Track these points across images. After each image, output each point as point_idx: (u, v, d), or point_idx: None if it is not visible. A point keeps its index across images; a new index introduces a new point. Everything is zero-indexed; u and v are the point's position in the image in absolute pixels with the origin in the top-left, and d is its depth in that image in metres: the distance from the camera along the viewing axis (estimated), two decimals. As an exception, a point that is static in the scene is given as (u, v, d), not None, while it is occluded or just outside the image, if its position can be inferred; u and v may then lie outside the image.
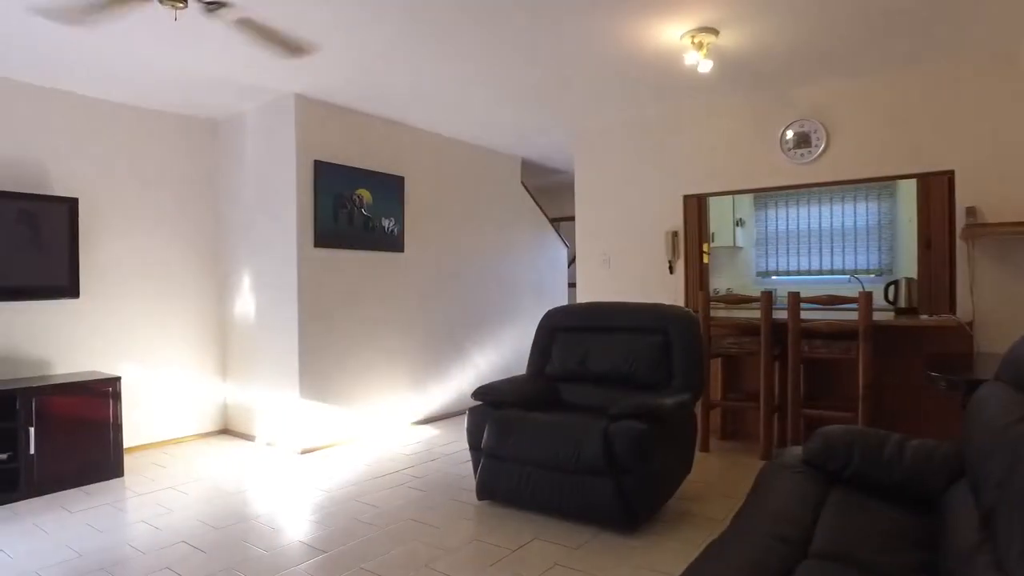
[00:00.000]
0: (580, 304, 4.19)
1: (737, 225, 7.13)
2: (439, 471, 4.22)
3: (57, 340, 4.43)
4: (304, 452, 4.69)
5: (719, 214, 6.90)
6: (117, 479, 4.13)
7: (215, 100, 4.77)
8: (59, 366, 4.44)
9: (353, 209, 5.07)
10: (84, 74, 4.13)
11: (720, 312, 4.89)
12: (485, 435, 3.46)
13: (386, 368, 5.32)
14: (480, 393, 3.67)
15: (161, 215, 4.99)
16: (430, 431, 5.37)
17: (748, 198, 7.12)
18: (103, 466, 4.10)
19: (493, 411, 3.54)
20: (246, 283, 5.15)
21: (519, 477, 3.33)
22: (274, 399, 4.91)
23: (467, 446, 3.69)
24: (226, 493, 3.85)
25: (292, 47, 3.72)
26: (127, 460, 4.44)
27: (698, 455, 4.42)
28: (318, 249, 4.80)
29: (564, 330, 4.06)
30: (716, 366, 4.84)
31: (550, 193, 8.15)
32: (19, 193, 4.20)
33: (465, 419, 3.68)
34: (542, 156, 6.88)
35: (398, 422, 5.43)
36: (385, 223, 5.33)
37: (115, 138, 4.75)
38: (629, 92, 4.74)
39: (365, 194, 5.16)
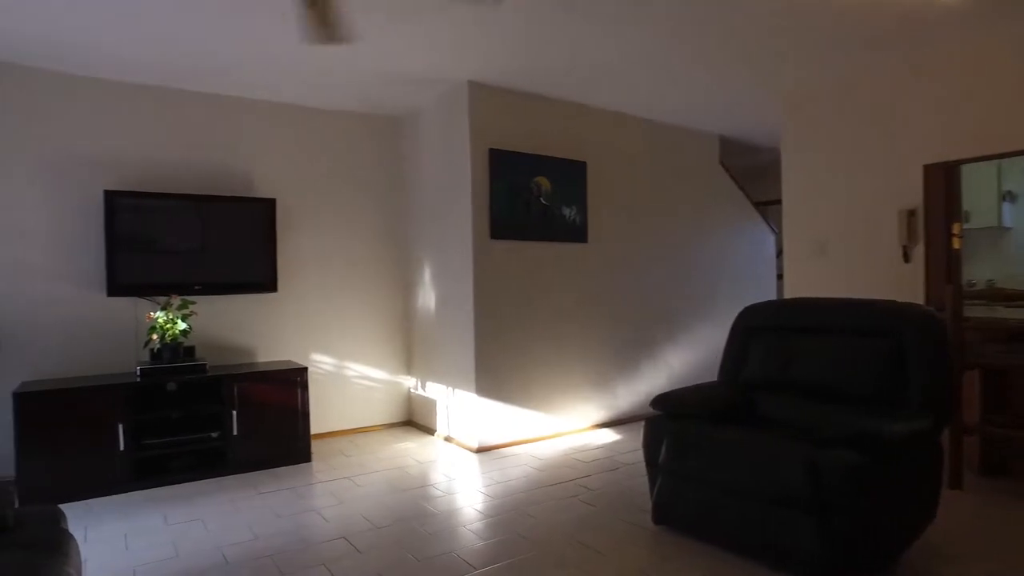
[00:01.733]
0: (784, 300, 3.51)
1: (1005, 199, 5.69)
2: (616, 484, 3.80)
3: (258, 330, 4.77)
4: (479, 450, 4.55)
5: (977, 186, 5.56)
6: (305, 464, 4.31)
7: (395, 97, 4.81)
8: (260, 354, 4.78)
9: (531, 198, 4.82)
10: (276, 82, 4.36)
11: (978, 311, 3.83)
12: (663, 450, 2.98)
13: (567, 365, 5.01)
14: (659, 402, 3.19)
15: (349, 212, 5.18)
16: (612, 436, 4.96)
17: (1021, 163, 5.64)
18: (292, 451, 4.31)
19: (673, 423, 3.05)
20: (427, 276, 5.16)
21: (701, 503, 2.80)
22: (451, 394, 4.85)
23: (644, 460, 3.24)
24: (395, 489, 3.80)
25: None
26: (317, 446, 4.65)
27: (946, 494, 3.48)
28: (495, 241, 4.62)
29: (764, 330, 3.41)
30: (972, 380, 3.80)
31: (754, 174, 7.25)
32: (228, 196, 4.57)
33: (642, 430, 3.23)
34: (743, 132, 6.08)
35: (578, 423, 5.10)
36: (566, 212, 5.01)
37: (307, 140, 5.00)
38: (850, 40, 3.89)
39: (544, 182, 4.89)
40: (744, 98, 5.01)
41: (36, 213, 4.06)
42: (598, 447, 4.64)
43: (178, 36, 3.56)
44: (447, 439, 4.91)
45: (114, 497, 3.71)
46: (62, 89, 4.13)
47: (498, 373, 4.64)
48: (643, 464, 4.11)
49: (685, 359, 5.84)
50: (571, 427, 5.05)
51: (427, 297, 5.18)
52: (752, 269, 6.50)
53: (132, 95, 4.34)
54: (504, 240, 4.67)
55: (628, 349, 5.41)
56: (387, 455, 4.54)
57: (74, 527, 3.27)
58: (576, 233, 5.07)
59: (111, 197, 4.12)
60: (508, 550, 2.90)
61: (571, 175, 5.04)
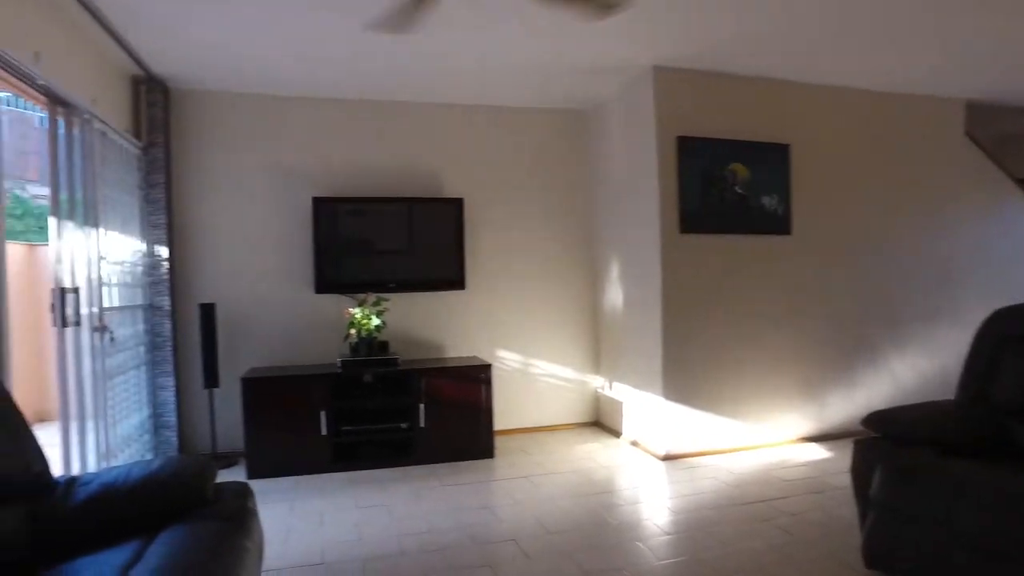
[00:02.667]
0: (1053, 300, 2.77)
1: None
2: (822, 511, 3.30)
3: (446, 327, 4.93)
4: (666, 458, 4.25)
5: None
6: (487, 460, 4.36)
7: (577, 90, 4.68)
8: (448, 350, 4.93)
9: (725, 188, 4.40)
10: (461, 85, 4.45)
11: None
12: (875, 480, 2.49)
13: (766, 370, 4.50)
14: (876, 421, 2.69)
15: (535, 209, 5.15)
16: (820, 452, 4.36)
17: None
18: (476, 446, 4.37)
19: (893, 449, 2.54)
20: (614, 273, 4.96)
21: (935, 555, 2.28)
22: (638, 396, 4.60)
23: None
24: (574, 493, 3.67)
25: None
26: (501, 442, 4.68)
27: None
28: (685, 235, 4.29)
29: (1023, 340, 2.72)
30: None
31: (1016, 144, 5.96)
32: (418, 198, 4.77)
33: (851, 452, 2.74)
34: (1000, 91, 5.02)
35: (779, 435, 4.56)
36: (765, 201, 4.51)
37: (492, 139, 5.06)
38: None
39: (740, 169, 4.44)
40: (1002, 46, 4.11)
41: (262, 221, 4.58)
42: (802, 464, 4.10)
43: (376, 53, 3.76)
44: (633, 444, 4.67)
45: (317, 476, 4.04)
46: (278, 110, 4.61)
47: (688, 376, 4.30)
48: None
49: (918, 368, 4.97)
50: (770, 439, 4.53)
51: (614, 295, 4.98)
52: (1007, 262, 5.35)
53: (333, 109, 4.72)
54: (695, 234, 4.31)
55: (840, 354, 4.73)
56: (570, 456, 4.43)
57: (282, 499, 3.60)
58: (777, 224, 4.54)
59: (317, 203, 4.51)
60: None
61: (771, 160, 4.51)
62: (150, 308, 4.22)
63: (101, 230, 3.53)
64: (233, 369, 4.40)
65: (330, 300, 4.62)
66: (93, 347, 3.35)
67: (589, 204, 5.28)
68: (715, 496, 3.56)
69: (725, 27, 3.63)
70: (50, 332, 3.24)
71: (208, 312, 4.21)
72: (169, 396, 4.23)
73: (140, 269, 4.14)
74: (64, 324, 3.19)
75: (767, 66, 4.28)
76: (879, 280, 4.85)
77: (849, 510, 3.22)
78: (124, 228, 3.95)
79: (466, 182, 4.97)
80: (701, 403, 4.33)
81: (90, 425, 3.35)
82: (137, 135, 4.18)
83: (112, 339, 3.42)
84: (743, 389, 4.44)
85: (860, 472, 2.59)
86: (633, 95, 4.51)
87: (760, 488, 3.67)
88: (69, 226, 3.29)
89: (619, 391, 4.93)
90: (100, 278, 3.44)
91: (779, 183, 4.53)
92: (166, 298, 4.22)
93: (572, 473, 4.05)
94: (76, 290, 3.26)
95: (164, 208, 4.23)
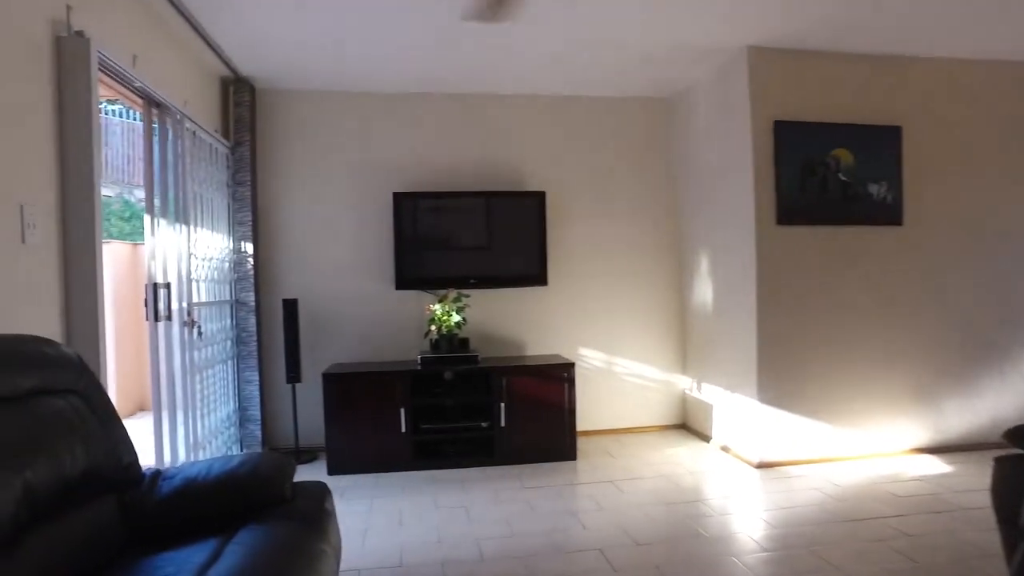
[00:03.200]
0: None
1: None
2: (946, 534, 2.96)
3: (527, 323, 4.80)
4: (761, 466, 3.96)
5: None
6: (569, 462, 4.20)
7: (664, 76, 4.44)
8: (529, 347, 4.80)
9: (827, 175, 4.06)
10: (545, 75, 4.30)
11: None
12: None
13: (874, 373, 4.12)
14: (1018, 435, 2.35)
15: (618, 201, 4.95)
16: (940, 466, 3.95)
17: None
18: (557, 447, 4.22)
19: (1038, 465, 2.21)
20: (703, 268, 4.69)
21: (1090, 588, 1.96)
22: (730, 399, 4.33)
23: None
24: (661, 501, 3.46)
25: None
26: (583, 443, 4.51)
27: None
28: (782, 227, 3.98)
29: None
30: None
31: None
32: (500, 192, 4.67)
33: (986, 469, 2.42)
34: None
35: (890, 445, 4.17)
36: (873, 189, 4.13)
37: (574, 130, 4.89)
38: None
39: (844, 155, 4.08)
40: None
41: (343, 217, 4.60)
42: (918, 479, 3.72)
43: (461, 43, 3.68)
44: (723, 449, 4.39)
45: (396, 474, 4.00)
46: (360, 107, 4.62)
47: (786, 378, 3.99)
48: (987, 511, 3.18)
49: (1051, 375, 4.44)
50: (878, 449, 4.14)
51: (703, 291, 4.71)
52: None
53: (416, 104, 4.68)
54: (793, 226, 4.00)
55: (960, 357, 4.27)
56: (656, 460, 4.21)
57: (361, 497, 3.57)
58: (886, 213, 4.15)
59: (398, 198, 4.48)
60: (791, 599, 2.38)
61: (880, 144, 4.13)
62: (236, 304, 4.31)
63: (191, 227, 3.61)
64: (315, 364, 4.43)
65: (410, 296, 4.58)
66: (183, 341, 3.42)
67: (675, 196, 5.02)
68: (818, 510, 3.27)
69: (819, 2, 3.32)
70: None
71: (291, 308, 4.26)
72: (254, 390, 4.31)
73: (227, 265, 4.23)
74: (156, 318, 3.27)
75: (875, 41, 3.92)
76: (1006, 275, 4.36)
77: (982, 536, 2.87)
78: (213, 225, 4.04)
79: (548, 175, 4.82)
80: (799, 407, 4.01)
81: (180, 417, 3.42)
82: (225, 134, 4.27)
83: (200, 333, 3.49)
84: (847, 393, 4.08)
85: (1003, 493, 2.27)
86: (725, 78, 4.23)
87: (869, 503, 3.35)
88: (162, 224, 3.37)
89: (708, 393, 4.66)
90: (190, 274, 3.51)
91: (889, 169, 4.14)
92: (251, 294, 4.30)
93: (659, 479, 3.84)
94: (168, 285, 3.33)
95: (250, 205, 4.30)
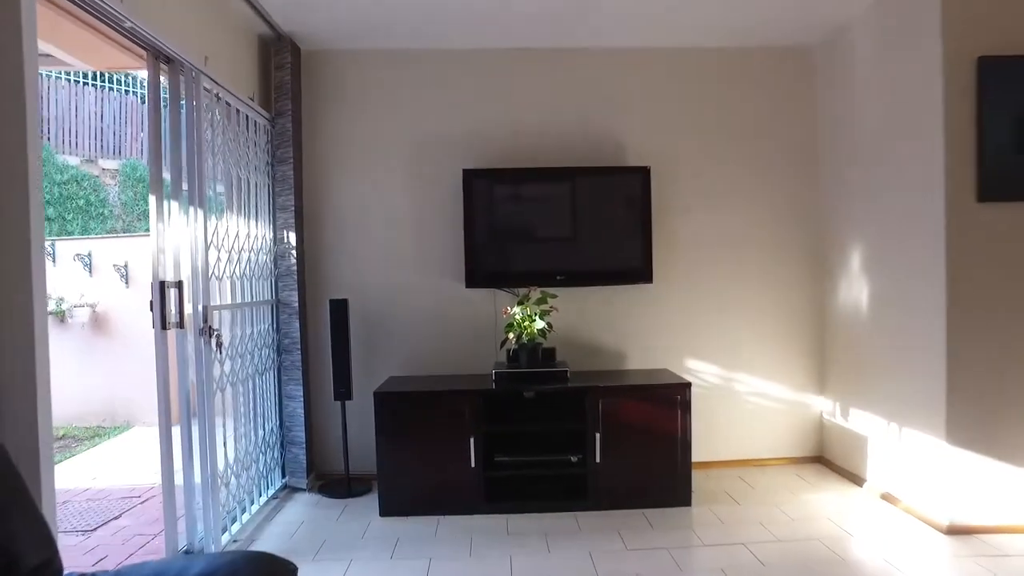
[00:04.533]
0: None
1: None
2: None
3: (625, 329, 3.89)
4: (952, 531, 2.91)
5: None
6: (683, 508, 3.28)
7: (808, 12, 3.40)
8: (628, 359, 3.89)
9: (1048, 133, 2.94)
10: (653, 23, 3.37)
11: None
12: None
13: (1113, 409, 2.98)
14: None
15: (743, 180, 3.95)
16: None
17: None
18: (668, 490, 3.31)
19: None
20: (854, 263, 3.64)
21: None
22: (896, 433, 3.28)
23: None
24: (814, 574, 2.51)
25: None
26: (697, 479, 3.53)
27: None
28: (986, 204, 2.90)
29: None
30: None
31: None
32: (594, 168, 3.78)
33: None
34: None
35: None
36: (1114, 152, 2.97)
37: (686, 91, 3.92)
38: None
39: (1073, 104, 2.95)
40: None
41: (403, 200, 3.84)
42: None
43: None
44: (886, 498, 3.35)
45: (463, 519, 3.20)
46: (423, 67, 3.83)
47: (991, 411, 2.91)
48: None
49: None
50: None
51: (854, 291, 3.66)
52: None
53: (488, 62, 3.85)
54: (1004, 203, 2.90)
55: None
56: (794, 510, 3.24)
57: (418, 553, 2.81)
58: None
59: (469, 177, 3.67)
60: None
61: None
62: (278, 304, 3.62)
63: (211, 213, 2.92)
64: (368, 377, 3.70)
65: (483, 296, 3.78)
66: (198, 353, 2.74)
67: (815, 172, 3.97)
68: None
69: None
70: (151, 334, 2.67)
71: (340, 310, 3.53)
72: (298, 407, 3.62)
73: (267, 259, 3.54)
74: (164, 325, 2.59)
75: None
76: None
77: None
78: (248, 211, 3.36)
79: (654, 147, 3.88)
80: (1012, 454, 2.93)
81: (195, 447, 2.74)
82: (265, 104, 3.58)
83: (219, 344, 2.79)
84: (1075, 434, 2.96)
85: None
86: (898, 9, 3.17)
87: None
88: (172, 208, 2.69)
89: (859, 421, 3.62)
90: (207, 270, 2.81)
91: None
92: (294, 293, 3.60)
93: (807, 542, 2.87)
94: (179, 284, 2.65)
95: (293, 187, 3.60)
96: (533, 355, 3.43)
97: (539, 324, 3.37)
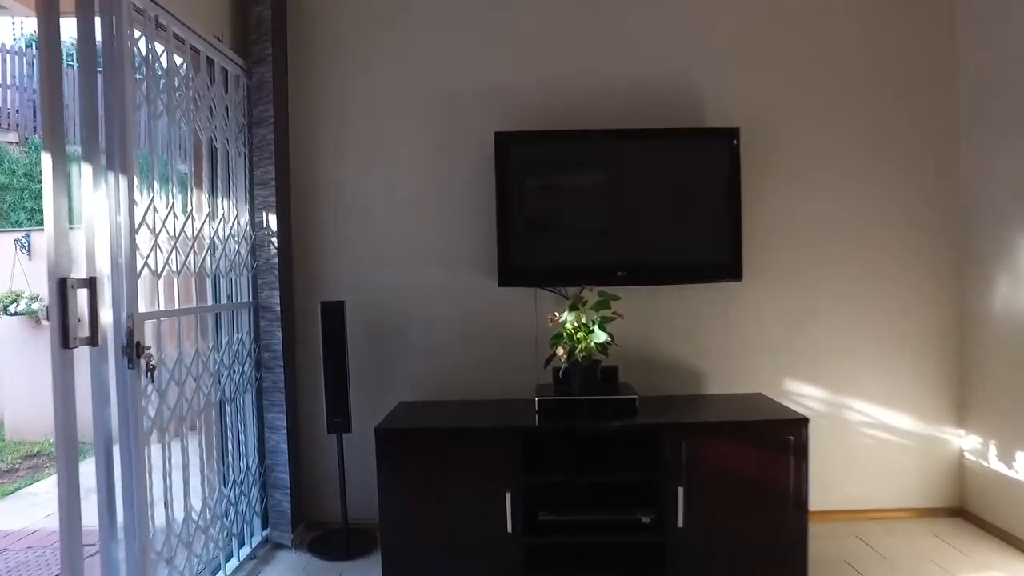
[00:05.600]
0: None
1: None
2: None
3: (707, 341, 3.00)
4: None
5: None
6: (803, 597, 2.38)
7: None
8: (711, 379, 3.00)
9: None
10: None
11: None
12: None
13: None
14: None
15: (857, 147, 3.02)
16: None
17: None
18: (774, 562, 2.41)
19: None
20: (1016, 256, 2.69)
21: None
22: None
23: None
24: None
25: None
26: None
27: None
28: None
29: None
30: None
31: None
32: (667, 129, 2.88)
33: None
34: None
35: None
36: None
37: (785, 29, 3.00)
38: None
39: None
40: None
41: (417, 176, 2.98)
42: None
43: None
44: (1079, 579, 2.42)
45: (497, 607, 2.35)
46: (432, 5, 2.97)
47: None
48: None
49: None
50: None
51: (1013, 296, 2.72)
52: None
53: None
54: None
55: None
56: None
57: None
58: None
59: (502, 142, 2.80)
60: None
61: None
62: (257, 308, 2.80)
63: (162, 186, 2.11)
64: (372, 402, 2.88)
65: (521, 298, 2.92)
66: (121, 380, 1.92)
67: (954, 137, 3.03)
68: None
69: None
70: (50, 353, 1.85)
71: (334, 315, 2.69)
72: (280, 441, 2.78)
73: (240, 250, 2.72)
74: (66, 342, 1.77)
75: None
76: None
77: None
78: (214, 187, 2.55)
79: (744, 103, 2.98)
80: None
81: (120, 509, 1.93)
82: (240, 48, 2.76)
83: (151, 367, 1.96)
84: None
85: None
86: None
87: None
88: (81, 174, 1.88)
89: (1019, 467, 2.68)
90: (136, 263, 1.98)
91: None
92: (275, 293, 2.76)
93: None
94: (89, 283, 1.83)
95: (274, 157, 2.76)
96: (589, 377, 2.56)
97: (599, 336, 2.48)
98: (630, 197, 2.90)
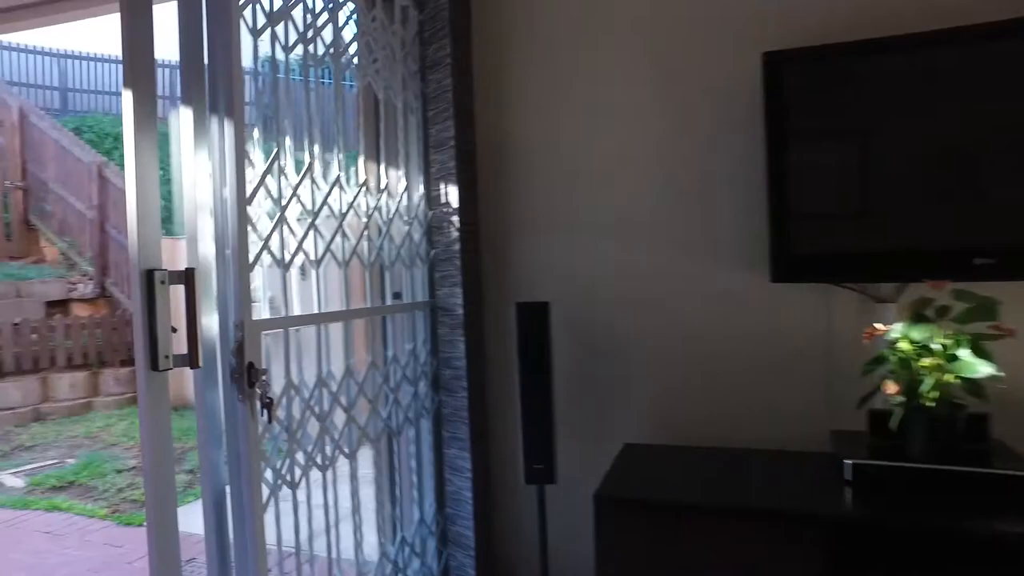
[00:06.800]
0: None
1: None
2: None
3: None
4: None
5: None
6: None
7: None
8: None
9: None
10: None
11: None
12: None
13: None
14: None
15: None
16: None
17: None
18: None
19: None
20: None
21: None
22: None
23: None
24: None
25: None
26: None
27: None
28: None
29: None
30: None
31: None
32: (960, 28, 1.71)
33: None
34: None
35: None
36: None
37: None
38: None
39: None
40: None
41: (645, 125, 2.12)
42: None
43: None
44: None
45: None
46: None
47: None
48: None
49: None
50: None
51: None
52: None
53: None
54: None
55: None
56: None
57: None
58: None
59: (776, 65, 1.84)
60: None
61: None
62: (434, 310, 2.15)
63: (296, 145, 1.53)
64: (587, 441, 2.09)
65: (804, 297, 1.93)
66: (231, 415, 1.34)
67: None
68: None
69: None
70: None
71: (535, 321, 1.94)
72: (463, 487, 2.10)
73: (411, 233, 2.09)
74: (154, 361, 1.22)
75: None
76: None
77: None
78: (376, 152, 1.95)
79: None
80: None
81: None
82: (413, -24, 2.13)
83: (267, 401, 1.34)
84: None
85: None
86: None
87: None
88: (180, 126, 1.33)
89: None
90: (246, 249, 1.39)
91: None
92: (457, 291, 2.08)
93: None
94: (187, 276, 1.27)
95: (452, 110, 2.08)
96: (947, 432, 1.51)
97: (975, 367, 1.42)
98: (988, 139, 1.77)
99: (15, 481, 4.76)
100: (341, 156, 1.75)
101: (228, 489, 1.38)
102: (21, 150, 8.23)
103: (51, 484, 4.52)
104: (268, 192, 1.45)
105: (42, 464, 5.01)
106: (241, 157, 1.32)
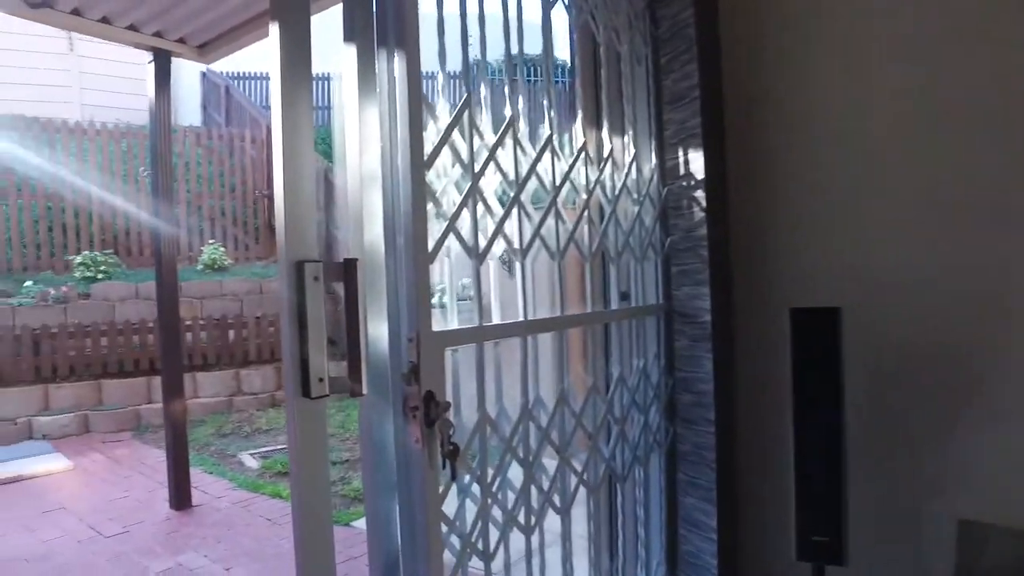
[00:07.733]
0: None
1: None
2: None
3: None
4: None
5: None
6: None
7: None
8: None
9: None
10: None
11: None
12: None
13: None
14: None
15: None
16: None
17: None
18: None
19: None
20: None
21: None
22: None
23: None
24: None
25: None
26: None
27: None
28: None
29: None
30: None
31: None
32: None
33: None
34: None
35: None
36: None
37: None
38: None
39: None
40: None
41: (973, 72, 1.43)
42: None
43: None
44: None
45: None
46: None
47: None
48: None
49: None
50: None
51: None
52: None
53: None
54: None
55: None
56: None
57: None
58: None
59: None
60: None
61: None
62: (666, 315, 1.65)
63: (489, 94, 1.14)
64: (891, 505, 1.46)
65: None
66: (401, 454, 0.98)
67: None
68: None
69: None
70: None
71: (819, 333, 1.36)
72: (705, 549, 1.58)
73: (645, 216, 1.60)
74: (306, 386, 0.89)
75: None
76: None
77: None
78: (596, 111, 1.50)
79: None
80: None
81: None
82: None
83: (451, 448, 0.95)
84: None
85: None
86: None
87: None
88: (346, 78, 0.99)
89: None
90: (425, 232, 1.01)
91: None
92: (704, 290, 1.56)
93: None
94: (348, 269, 0.92)
95: (695, 52, 1.56)
96: None
97: None
98: None
99: (252, 462, 5.10)
100: (553, 113, 1.32)
101: (401, 556, 1.02)
102: (267, 162, 9.19)
103: (278, 469, 4.75)
104: (456, 154, 1.06)
105: (274, 448, 5.34)
106: (417, 102, 0.94)
